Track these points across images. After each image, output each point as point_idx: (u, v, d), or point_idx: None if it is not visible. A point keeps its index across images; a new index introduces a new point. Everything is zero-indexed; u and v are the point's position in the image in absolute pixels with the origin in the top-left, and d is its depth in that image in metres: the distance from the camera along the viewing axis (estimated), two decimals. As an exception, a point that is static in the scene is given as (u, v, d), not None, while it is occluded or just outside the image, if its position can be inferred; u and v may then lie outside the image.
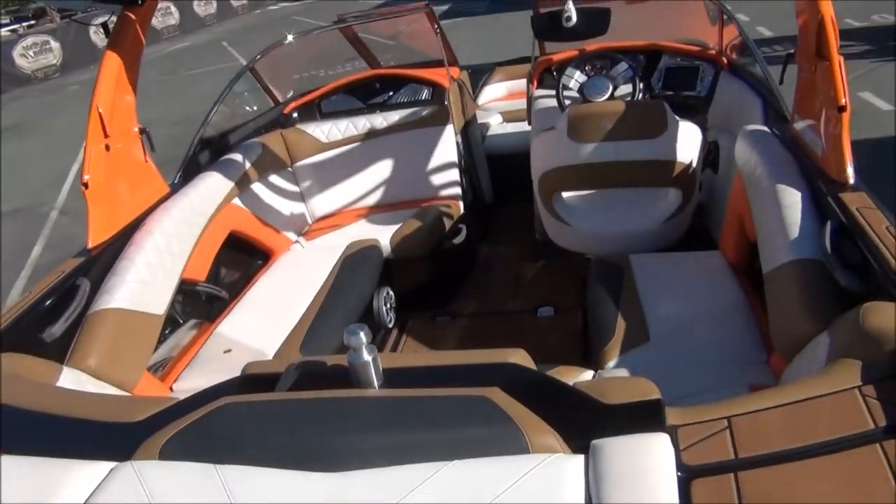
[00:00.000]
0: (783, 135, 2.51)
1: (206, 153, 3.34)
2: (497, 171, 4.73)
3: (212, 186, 3.06)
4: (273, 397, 1.47)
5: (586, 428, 1.26)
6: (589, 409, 1.29)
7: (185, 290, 2.88)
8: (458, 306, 3.63)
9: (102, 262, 2.51)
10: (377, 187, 3.86)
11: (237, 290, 3.21)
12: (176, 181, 3.12)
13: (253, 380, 1.63)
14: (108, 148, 2.60)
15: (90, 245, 2.53)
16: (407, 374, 1.52)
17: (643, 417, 1.26)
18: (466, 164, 4.15)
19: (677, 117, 2.93)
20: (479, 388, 1.35)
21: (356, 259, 3.25)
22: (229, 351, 2.67)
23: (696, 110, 3.48)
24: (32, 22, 22.98)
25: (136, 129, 2.80)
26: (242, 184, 3.28)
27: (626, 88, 3.53)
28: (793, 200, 2.09)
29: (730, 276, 2.60)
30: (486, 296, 3.69)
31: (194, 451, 1.28)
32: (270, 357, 2.58)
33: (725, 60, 3.45)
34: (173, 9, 22.95)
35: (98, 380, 2.22)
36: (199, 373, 2.58)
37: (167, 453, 1.29)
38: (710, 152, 3.33)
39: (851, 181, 2.02)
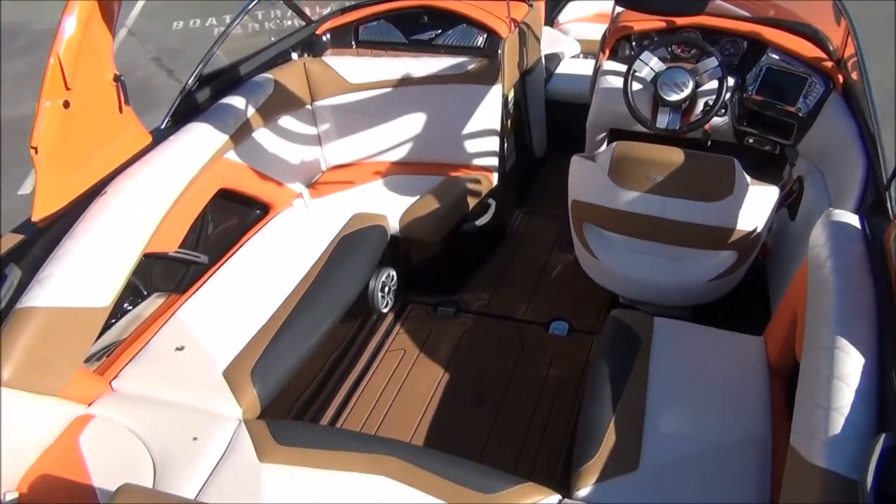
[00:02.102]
0: (874, 236, 1.97)
1: (207, 90, 2.92)
2: (556, 120, 4.19)
3: (200, 139, 2.68)
4: None
5: None
6: None
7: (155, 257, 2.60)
8: (467, 297, 3.28)
9: (45, 240, 2.22)
10: (403, 143, 3.41)
11: (222, 251, 2.90)
12: (163, 126, 2.74)
13: None
14: (67, 104, 2.22)
15: (35, 217, 2.23)
16: None
17: None
18: (519, 116, 3.63)
19: (749, 179, 2.36)
20: None
21: (355, 239, 2.89)
22: (181, 349, 2.40)
23: (788, 132, 2.86)
24: None
25: (111, 77, 2.41)
26: (242, 132, 2.88)
27: (711, 85, 2.92)
28: (849, 371, 1.62)
29: (762, 388, 2.16)
30: (500, 291, 3.31)
31: None
32: (222, 366, 2.31)
33: (841, 79, 2.76)
34: None
35: (12, 389, 2.00)
36: (141, 373, 2.34)
37: None
38: (792, 192, 2.76)
39: None
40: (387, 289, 3.12)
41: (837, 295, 1.78)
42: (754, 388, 2.16)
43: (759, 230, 2.42)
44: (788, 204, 2.76)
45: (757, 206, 2.38)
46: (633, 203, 2.45)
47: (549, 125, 4.24)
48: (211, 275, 2.75)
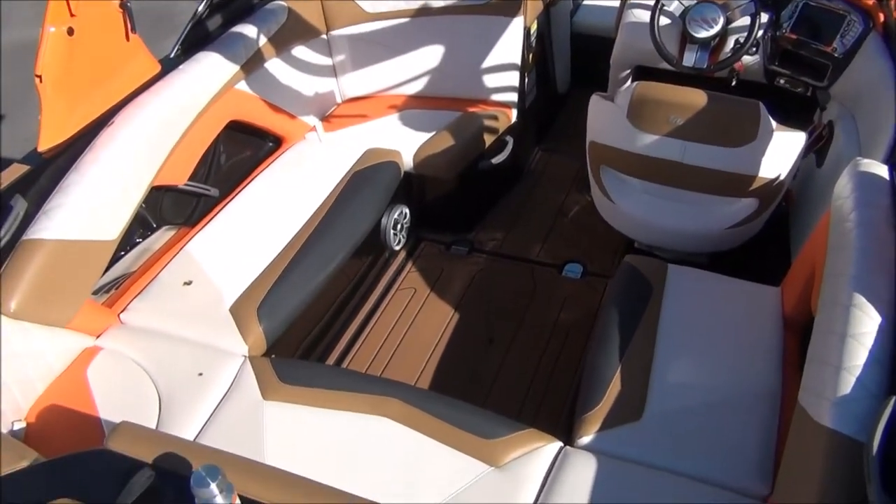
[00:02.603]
0: None
1: (219, 18, 2.83)
2: (582, 53, 4.05)
3: (210, 69, 2.61)
4: None
5: None
6: None
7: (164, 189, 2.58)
8: (481, 236, 3.23)
9: (51, 171, 2.19)
10: (420, 76, 3.31)
11: (233, 184, 2.86)
12: (172, 55, 2.67)
13: (107, 466, 1.37)
14: (71, 31, 2.16)
15: (41, 148, 2.20)
16: None
17: None
18: (542, 50, 3.50)
19: (775, 124, 2.25)
20: None
21: (368, 175, 2.83)
22: (189, 283, 2.39)
23: (822, 73, 2.72)
24: None
25: (117, 3, 2.33)
26: (254, 62, 2.80)
27: (743, 21, 2.77)
28: (864, 331, 1.57)
29: (775, 341, 2.11)
30: (514, 231, 3.26)
31: None
32: (229, 302, 2.30)
33: (882, 18, 2.60)
34: None
35: (21, 321, 2.01)
36: (149, 306, 2.34)
37: None
38: (821, 138, 2.65)
39: None
40: (399, 226, 3.08)
41: (859, 251, 1.72)
42: (767, 341, 2.11)
43: (782, 178, 2.33)
44: (816, 150, 2.65)
45: (782, 152, 2.28)
46: (652, 147, 2.36)
47: (575, 59, 4.10)
48: (221, 208, 2.72)
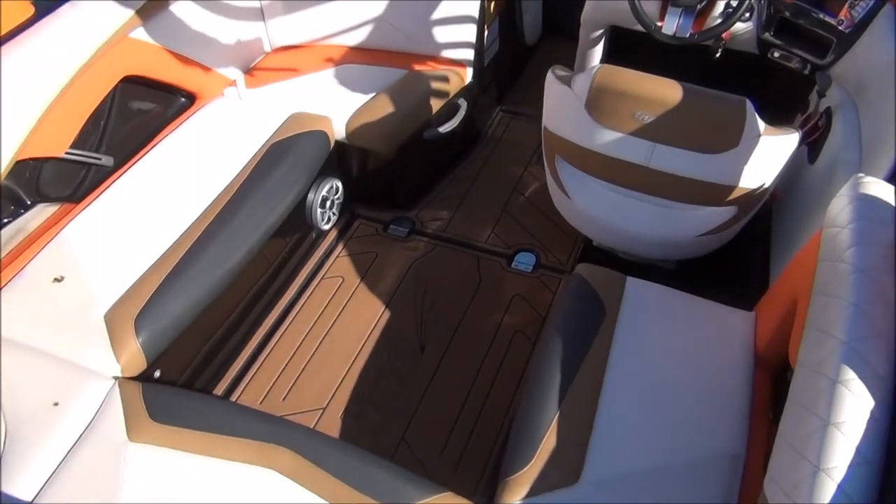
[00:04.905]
0: None
1: None
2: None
3: (93, 15, 2.16)
4: None
5: None
6: None
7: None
8: (424, 215, 2.85)
9: None
10: (362, 24, 2.85)
11: (132, 151, 2.44)
12: (49, -6, 2.22)
13: None
14: None
15: None
16: None
17: None
18: None
19: (762, 126, 1.86)
20: None
21: (290, 146, 2.42)
22: (60, 280, 2.01)
23: (823, 49, 2.32)
24: None
25: None
26: (155, 4, 2.34)
27: None
28: (852, 419, 1.24)
29: (745, 383, 1.79)
30: (462, 209, 2.88)
31: None
32: (107, 306, 1.93)
33: None
34: None
35: None
36: (8, 307, 1.93)
37: None
38: (816, 129, 2.27)
39: None
40: (329, 203, 2.68)
41: (853, 307, 1.37)
42: (734, 384, 1.79)
43: (766, 186, 1.97)
44: (809, 142, 2.28)
45: (769, 158, 1.91)
46: (613, 145, 1.98)
47: (547, 4, 3.66)
48: (113, 181, 2.31)
